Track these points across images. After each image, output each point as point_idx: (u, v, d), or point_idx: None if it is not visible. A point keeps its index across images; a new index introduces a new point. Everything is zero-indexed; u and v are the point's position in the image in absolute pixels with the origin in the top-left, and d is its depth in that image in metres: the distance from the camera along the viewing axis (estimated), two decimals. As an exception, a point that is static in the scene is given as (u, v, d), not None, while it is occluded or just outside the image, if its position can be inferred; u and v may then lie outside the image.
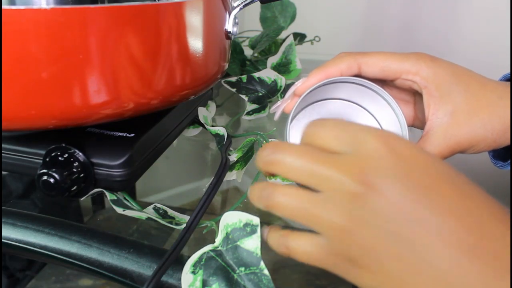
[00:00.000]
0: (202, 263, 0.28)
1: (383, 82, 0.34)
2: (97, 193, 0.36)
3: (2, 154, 0.37)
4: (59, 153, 0.34)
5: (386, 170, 0.21)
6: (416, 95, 0.35)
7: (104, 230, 0.35)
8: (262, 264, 0.27)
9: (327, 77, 0.32)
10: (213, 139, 0.47)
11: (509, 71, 0.35)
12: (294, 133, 0.32)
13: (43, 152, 0.34)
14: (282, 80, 0.58)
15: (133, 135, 0.37)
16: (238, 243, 0.28)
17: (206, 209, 0.34)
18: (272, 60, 0.65)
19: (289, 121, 0.31)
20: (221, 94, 0.70)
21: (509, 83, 0.32)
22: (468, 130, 0.30)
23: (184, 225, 0.33)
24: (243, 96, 0.59)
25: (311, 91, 0.32)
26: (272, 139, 0.46)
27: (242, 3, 0.45)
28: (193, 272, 0.28)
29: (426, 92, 0.31)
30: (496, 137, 0.31)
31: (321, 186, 0.22)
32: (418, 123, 0.36)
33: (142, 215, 0.35)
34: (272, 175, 0.25)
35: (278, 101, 0.34)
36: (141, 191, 0.55)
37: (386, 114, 0.34)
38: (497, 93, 0.31)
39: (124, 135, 0.37)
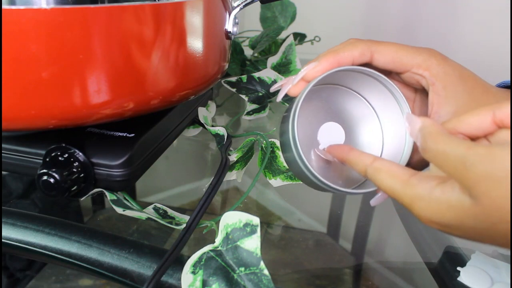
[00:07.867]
0: (202, 263, 0.28)
1: (388, 74, 0.33)
2: (97, 193, 0.36)
3: (2, 154, 0.37)
4: (59, 153, 0.34)
5: None
6: (417, 93, 0.35)
7: (104, 230, 0.35)
8: (262, 264, 0.27)
9: (339, 64, 0.31)
10: (213, 139, 0.47)
11: (508, 72, 0.35)
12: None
13: (43, 152, 0.34)
14: (282, 80, 0.58)
15: (133, 135, 0.37)
16: (238, 243, 0.28)
17: (206, 209, 0.34)
18: (272, 60, 0.65)
19: (298, 106, 0.30)
20: (221, 94, 0.70)
21: (507, 90, 0.32)
22: None
23: (184, 225, 0.33)
24: (243, 96, 0.59)
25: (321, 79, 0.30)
26: (273, 139, 0.46)
27: (242, 3, 0.45)
28: (193, 272, 0.28)
29: (433, 90, 0.31)
30: None
31: None
32: None
33: (142, 215, 0.35)
34: None
35: (280, 81, 0.33)
36: (141, 191, 0.55)
37: (391, 114, 0.34)
38: (497, 99, 0.31)
39: (124, 135, 0.37)
